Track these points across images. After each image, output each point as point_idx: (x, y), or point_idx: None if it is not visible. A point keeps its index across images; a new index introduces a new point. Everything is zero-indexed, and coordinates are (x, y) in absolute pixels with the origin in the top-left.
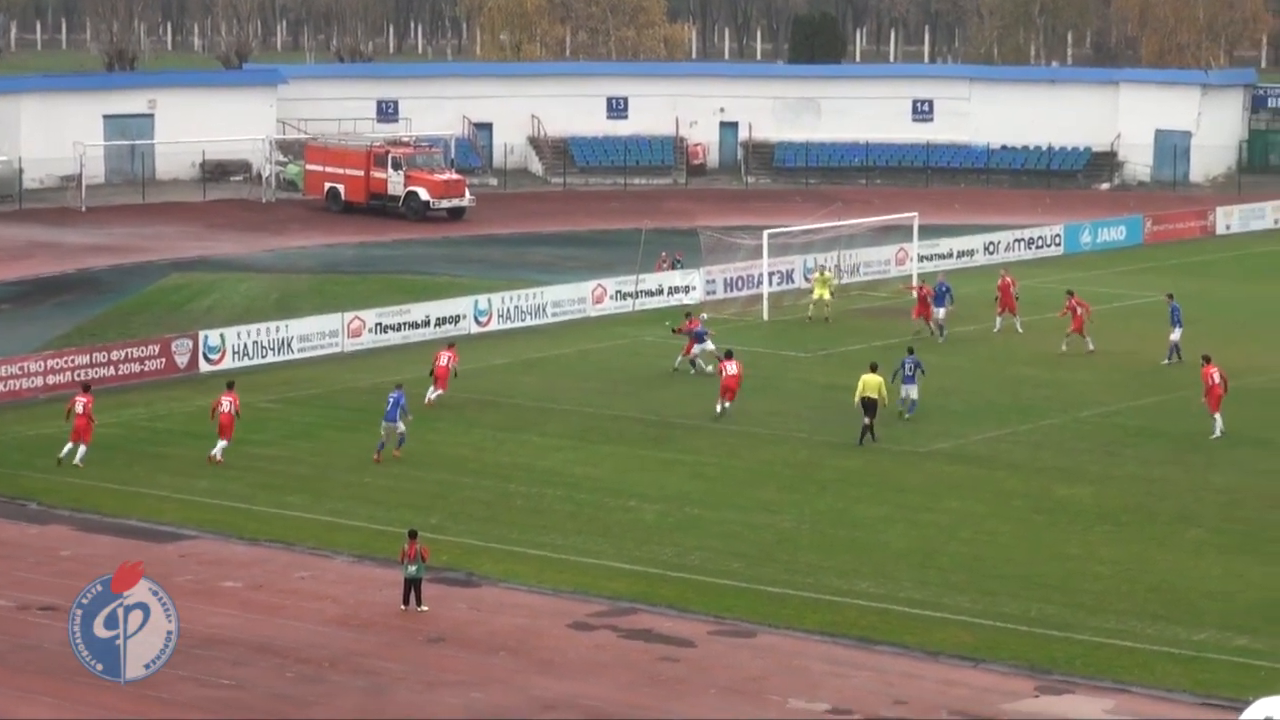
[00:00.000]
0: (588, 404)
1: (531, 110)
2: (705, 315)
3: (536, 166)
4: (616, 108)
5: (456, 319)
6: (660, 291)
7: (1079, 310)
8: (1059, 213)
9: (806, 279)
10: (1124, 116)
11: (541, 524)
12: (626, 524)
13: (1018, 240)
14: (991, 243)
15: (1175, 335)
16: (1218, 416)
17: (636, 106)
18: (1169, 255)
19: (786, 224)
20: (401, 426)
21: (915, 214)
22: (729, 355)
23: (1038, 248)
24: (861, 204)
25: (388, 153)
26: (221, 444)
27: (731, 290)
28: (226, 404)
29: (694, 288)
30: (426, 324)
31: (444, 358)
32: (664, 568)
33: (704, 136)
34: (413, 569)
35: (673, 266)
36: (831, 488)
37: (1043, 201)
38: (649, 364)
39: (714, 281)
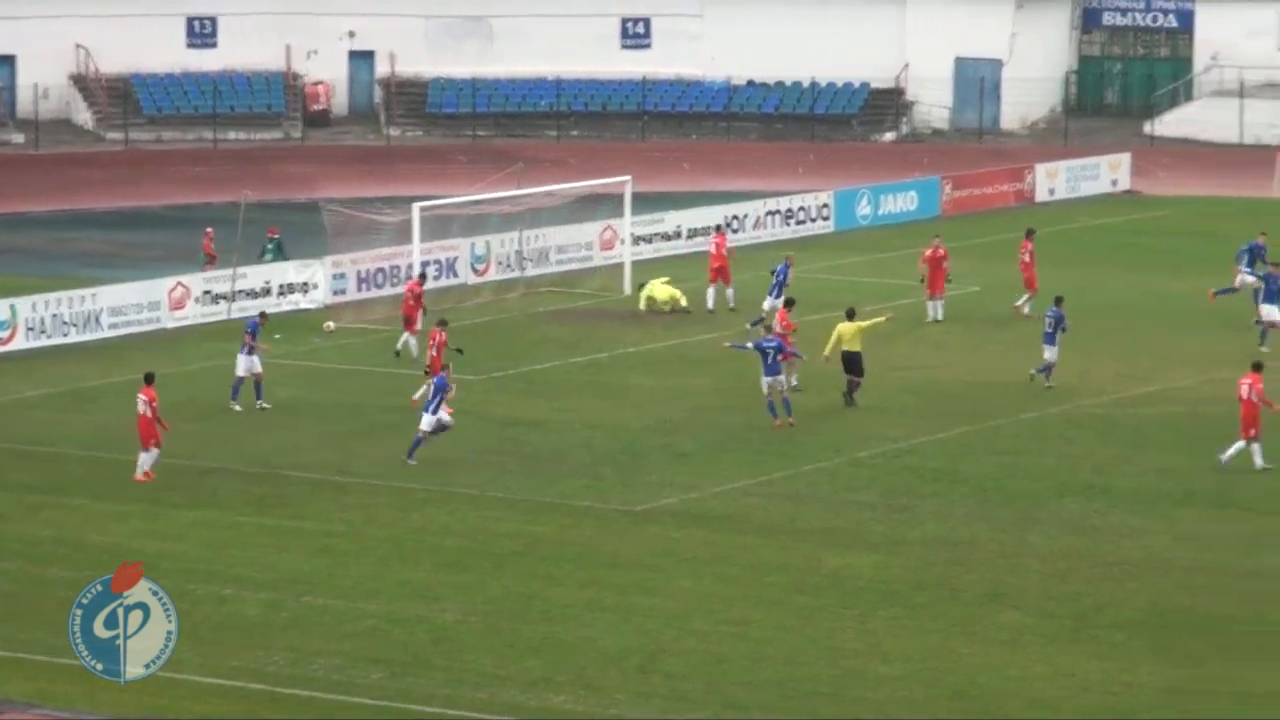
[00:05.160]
0: (164, 453)
1: (75, 37)
2: (331, 325)
3: (85, 117)
4: (200, 32)
5: None
6: (268, 291)
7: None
8: (827, 174)
9: (475, 270)
10: (913, 41)
11: None
12: (220, 621)
13: (771, 213)
14: (735, 216)
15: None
16: (1252, 445)
17: (229, 30)
18: (974, 230)
19: (446, 194)
20: None
21: (628, 178)
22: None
23: (799, 223)
24: (552, 165)
25: None
26: None
27: (369, 288)
28: None
29: (315, 285)
30: None
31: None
32: (273, 682)
33: (327, 72)
34: None
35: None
36: (513, 564)
37: (805, 159)
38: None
39: (343, 276)
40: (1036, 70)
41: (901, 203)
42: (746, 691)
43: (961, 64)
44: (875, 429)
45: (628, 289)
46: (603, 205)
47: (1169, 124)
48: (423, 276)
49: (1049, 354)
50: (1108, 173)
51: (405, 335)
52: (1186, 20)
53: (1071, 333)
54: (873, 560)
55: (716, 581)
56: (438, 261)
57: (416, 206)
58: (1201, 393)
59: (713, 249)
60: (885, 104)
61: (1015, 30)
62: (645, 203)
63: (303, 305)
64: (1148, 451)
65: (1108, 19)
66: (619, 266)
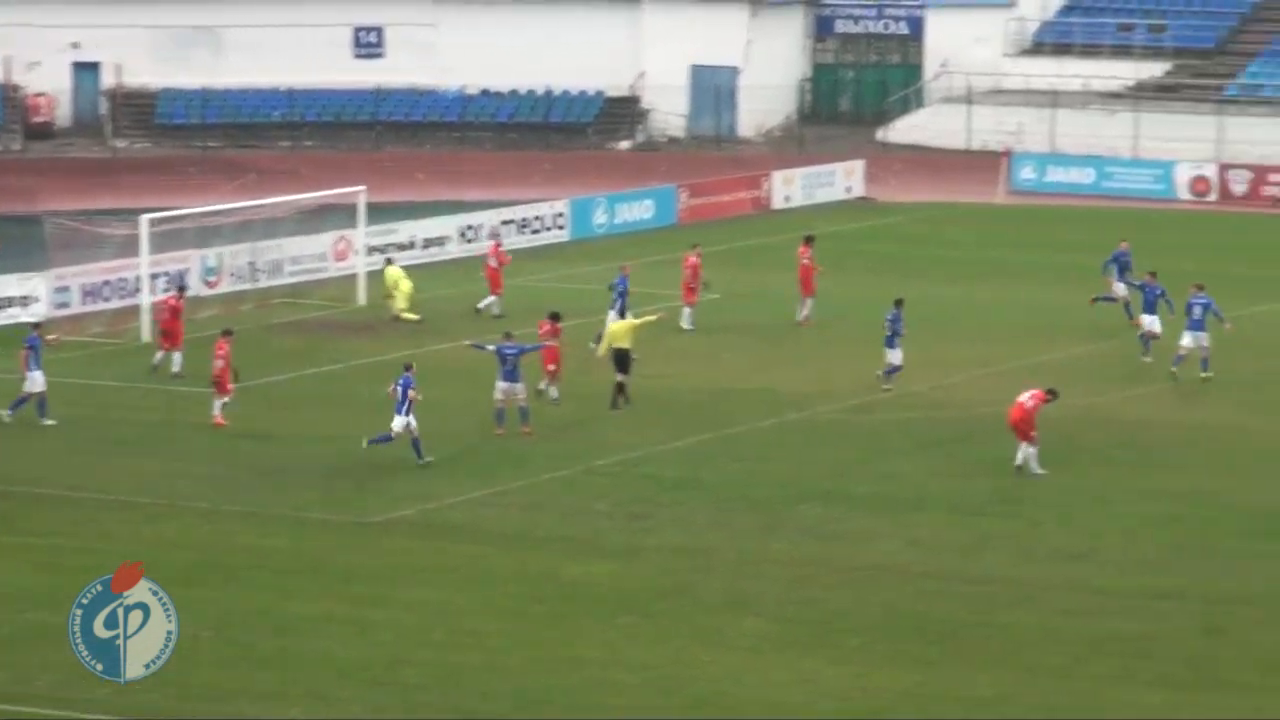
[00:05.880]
0: None
1: None
2: (54, 338)
3: None
4: None
5: None
6: None
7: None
8: (564, 183)
9: (206, 283)
10: (649, 48)
11: None
12: None
13: (507, 222)
14: (470, 227)
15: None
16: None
17: None
18: (713, 238)
19: (176, 206)
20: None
21: (362, 188)
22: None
23: (535, 232)
24: (285, 175)
25: None
26: None
27: (93, 301)
28: None
29: (35, 298)
30: None
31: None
32: None
33: (50, 83)
34: None
35: None
36: (246, 577)
37: (541, 168)
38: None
39: (67, 289)
40: (772, 78)
41: (638, 211)
42: (484, 702)
43: (697, 72)
44: (613, 437)
45: (362, 300)
46: (335, 216)
47: (901, 130)
48: (181, 289)
49: (891, 357)
50: (842, 179)
51: (169, 352)
52: (917, 27)
53: (816, 338)
54: (611, 569)
55: (453, 592)
56: (167, 273)
57: (144, 218)
58: (934, 398)
59: (493, 261)
60: (621, 112)
61: (750, 38)
62: (379, 213)
63: (22, 319)
64: (883, 457)
65: (840, 26)
66: (353, 277)
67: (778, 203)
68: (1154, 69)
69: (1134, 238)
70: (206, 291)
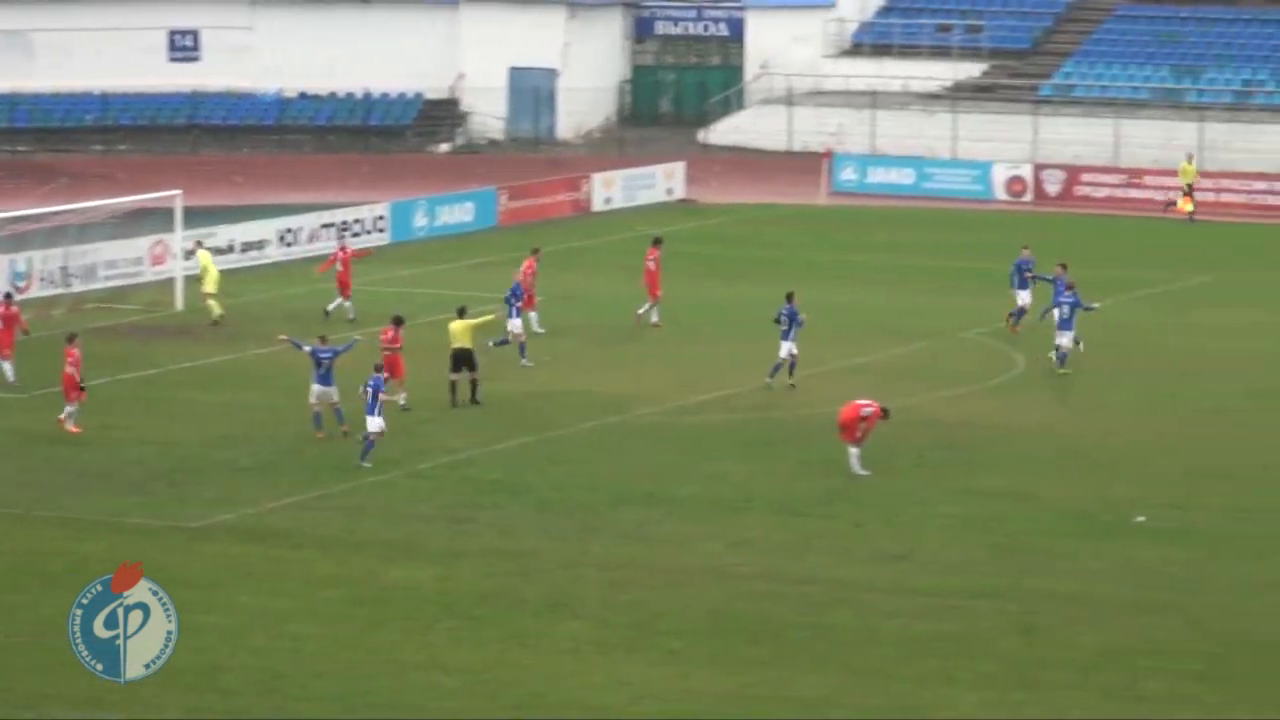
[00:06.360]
0: None
1: None
2: None
3: None
4: None
5: None
6: None
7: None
8: (383, 186)
9: (16, 287)
10: (468, 50)
11: None
12: None
13: (326, 226)
14: (289, 230)
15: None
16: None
17: None
18: (533, 240)
19: None
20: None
21: (179, 192)
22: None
23: (355, 235)
24: (99, 180)
25: None
26: None
27: None
28: None
29: None
30: None
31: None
32: None
33: None
34: None
35: None
36: (65, 582)
37: (360, 170)
38: None
39: None
40: (591, 80)
41: (458, 214)
42: (305, 706)
43: (516, 74)
44: (435, 441)
45: (180, 304)
46: (152, 220)
47: (722, 132)
48: (8, 296)
49: (784, 350)
50: (663, 181)
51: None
52: (737, 28)
53: (631, 342)
54: (433, 572)
55: (273, 597)
56: None
57: None
58: (757, 399)
59: (340, 266)
60: (440, 115)
61: (569, 40)
62: (197, 217)
63: None
64: (706, 459)
65: (660, 28)
66: (170, 281)
67: (598, 205)
68: (971, 69)
69: (954, 238)
70: (16, 296)
